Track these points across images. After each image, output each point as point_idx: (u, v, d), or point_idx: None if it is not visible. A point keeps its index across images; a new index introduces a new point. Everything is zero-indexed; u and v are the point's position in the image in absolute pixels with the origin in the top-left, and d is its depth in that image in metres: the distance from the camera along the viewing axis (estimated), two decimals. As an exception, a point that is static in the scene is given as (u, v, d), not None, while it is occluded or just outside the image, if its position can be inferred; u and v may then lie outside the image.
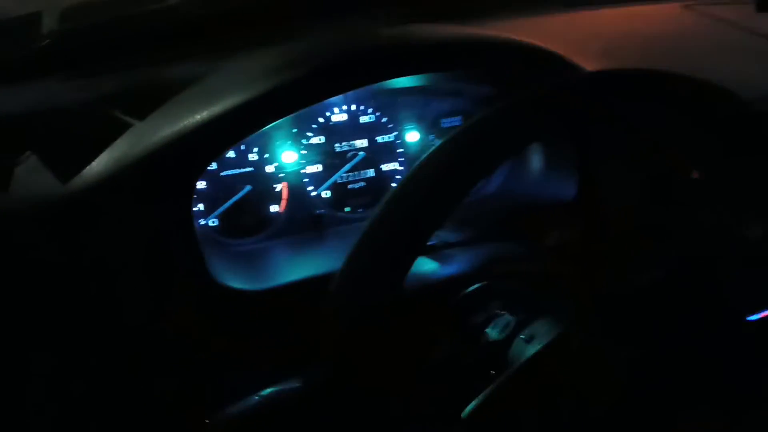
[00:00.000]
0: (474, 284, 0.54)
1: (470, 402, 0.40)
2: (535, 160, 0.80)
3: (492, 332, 0.48)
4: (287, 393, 0.46)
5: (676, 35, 0.92)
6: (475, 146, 0.38)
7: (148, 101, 0.61)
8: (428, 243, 0.65)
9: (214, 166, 0.69)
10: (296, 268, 0.65)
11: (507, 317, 0.48)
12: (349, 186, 0.76)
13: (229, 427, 0.44)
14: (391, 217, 0.38)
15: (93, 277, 0.52)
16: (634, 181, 0.72)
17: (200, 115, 0.52)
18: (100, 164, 0.53)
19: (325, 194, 0.75)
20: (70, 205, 0.50)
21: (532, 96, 0.38)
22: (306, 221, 0.73)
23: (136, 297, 0.54)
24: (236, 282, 0.59)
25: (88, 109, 0.62)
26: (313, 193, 0.74)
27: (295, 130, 0.72)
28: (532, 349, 0.43)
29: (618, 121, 0.50)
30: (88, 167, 0.53)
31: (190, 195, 0.54)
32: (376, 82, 0.58)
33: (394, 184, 0.75)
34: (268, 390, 0.46)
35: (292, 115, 0.71)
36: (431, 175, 0.38)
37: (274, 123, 0.70)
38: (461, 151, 0.38)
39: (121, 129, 0.58)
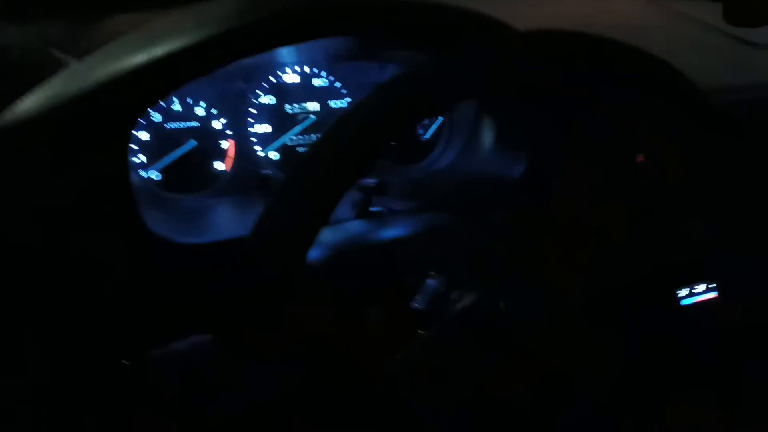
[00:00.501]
0: (412, 249, 0.54)
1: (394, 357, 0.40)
2: (487, 138, 0.80)
3: (424, 293, 0.48)
4: (205, 343, 0.45)
5: (637, 28, 0.93)
6: (393, 104, 0.36)
7: (92, 44, 0.58)
8: (372, 209, 0.66)
9: (158, 117, 0.67)
10: (238, 225, 0.64)
11: (440, 280, 0.48)
12: (298, 149, 0.75)
13: (145, 370, 0.43)
14: (304, 176, 0.37)
15: (15, 220, 0.50)
16: (582, 163, 0.73)
17: (140, 57, 0.50)
18: (31, 100, 0.51)
19: (273, 155, 0.74)
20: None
21: (455, 54, 0.37)
22: (252, 181, 0.72)
23: (63, 242, 0.52)
24: (172, 234, 0.57)
25: (28, 48, 0.60)
26: (261, 153, 0.73)
27: (245, 88, 0.71)
28: (459, 309, 0.43)
29: (553, 84, 0.50)
30: (18, 102, 0.51)
31: (125, 140, 0.52)
32: (328, 36, 0.57)
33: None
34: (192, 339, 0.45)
35: (242, 72, 0.70)
36: (340, 140, 0.37)
37: (224, 79, 0.70)
38: (372, 114, 0.36)
39: (59, 68, 0.56)
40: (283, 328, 0.41)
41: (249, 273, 0.39)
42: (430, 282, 0.49)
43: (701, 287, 0.80)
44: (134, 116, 0.53)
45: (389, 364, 0.38)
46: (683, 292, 0.79)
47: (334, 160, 0.37)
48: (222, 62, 0.52)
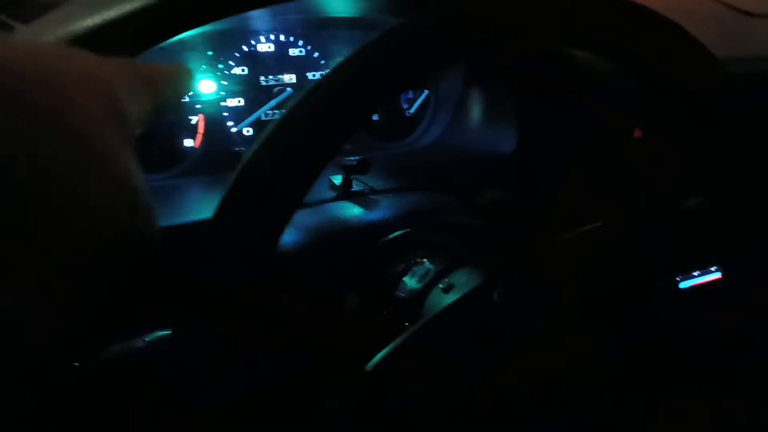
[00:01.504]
0: (396, 231, 0.50)
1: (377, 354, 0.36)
2: (475, 112, 0.76)
3: (410, 281, 0.44)
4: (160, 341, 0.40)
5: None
6: (374, 67, 0.32)
7: (39, 8, 0.53)
8: (353, 189, 0.61)
9: (120, 90, 0.62)
10: (207, 206, 0.59)
11: (426, 266, 0.44)
12: (274, 124, 0.70)
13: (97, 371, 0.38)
14: (272, 150, 0.32)
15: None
16: (574, 138, 0.69)
17: (92, 20, 0.45)
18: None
19: (247, 131, 0.69)
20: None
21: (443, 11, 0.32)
22: (224, 159, 0.67)
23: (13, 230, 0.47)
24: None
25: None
26: (233, 129, 0.68)
27: (214, 57, 0.65)
28: (448, 300, 0.39)
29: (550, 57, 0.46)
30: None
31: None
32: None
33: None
34: (148, 336, 0.40)
35: (211, 41, 0.65)
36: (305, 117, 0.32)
37: (192, 48, 0.64)
38: (353, 77, 0.31)
39: (6, 33, 0.51)
40: (256, 321, 0.37)
41: (212, 261, 0.35)
42: (416, 269, 0.45)
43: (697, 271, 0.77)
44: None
45: (372, 363, 0.34)
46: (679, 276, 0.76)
47: (309, 130, 0.32)
48: (180, 25, 0.47)
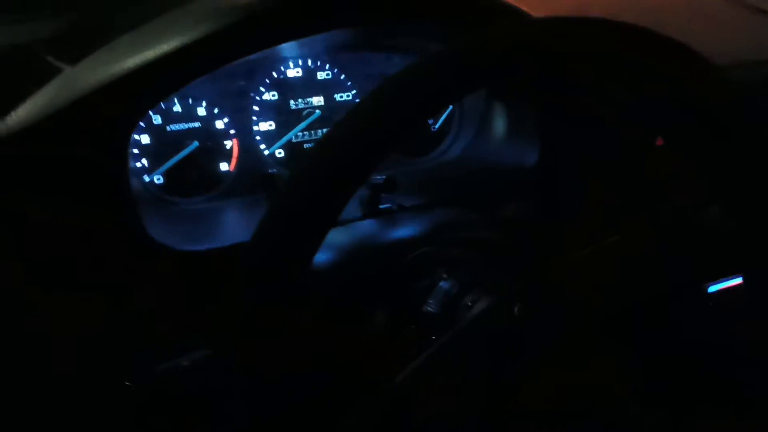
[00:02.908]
0: (422, 248, 0.52)
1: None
2: (498, 126, 0.78)
3: (435, 297, 0.46)
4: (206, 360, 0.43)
5: (655, 6, 0.90)
6: (399, 100, 0.34)
7: (84, 48, 0.57)
8: (381, 206, 0.64)
9: (159, 119, 0.65)
10: (244, 228, 0.62)
11: (451, 282, 0.46)
12: (305, 145, 0.73)
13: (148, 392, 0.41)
14: (306, 177, 0.35)
15: (15, 233, 0.48)
16: (596, 151, 0.70)
17: (134, 60, 0.49)
18: (25, 110, 0.49)
19: (279, 153, 0.72)
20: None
21: (472, 41, 0.34)
22: (258, 181, 0.70)
23: (64, 256, 0.51)
24: (178, 242, 0.56)
25: (20, 53, 0.58)
26: (266, 152, 0.71)
27: (246, 85, 0.69)
28: (474, 311, 0.41)
29: (569, 73, 0.47)
30: (12, 112, 0.50)
31: (124, 145, 0.51)
32: (329, 30, 0.55)
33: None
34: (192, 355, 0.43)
35: (243, 69, 0.68)
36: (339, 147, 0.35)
37: (225, 77, 0.68)
38: (383, 106, 0.34)
39: (53, 75, 0.54)
40: (289, 342, 0.39)
41: (250, 281, 0.37)
42: (443, 284, 0.47)
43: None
44: (131, 121, 0.51)
45: (398, 375, 0.36)
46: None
47: (343, 155, 0.35)
48: (218, 61, 0.50)
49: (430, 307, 0.48)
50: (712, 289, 0.78)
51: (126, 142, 0.51)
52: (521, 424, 0.38)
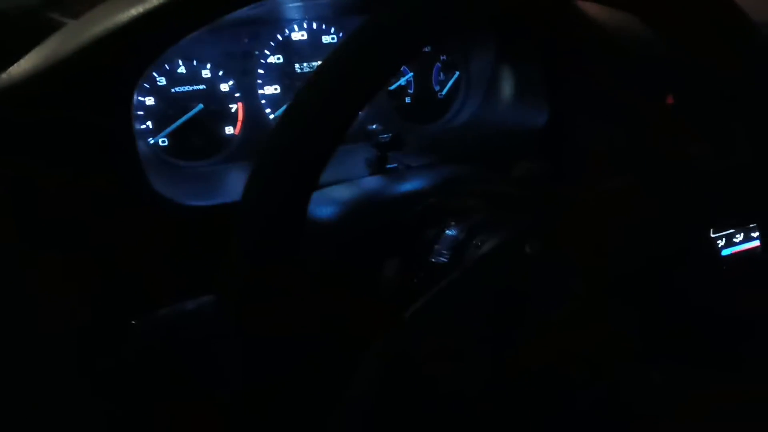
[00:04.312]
0: (429, 201, 0.51)
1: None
2: (506, 90, 0.77)
3: (441, 250, 0.46)
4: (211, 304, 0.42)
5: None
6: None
7: (91, 5, 0.56)
8: (388, 166, 0.63)
9: (163, 81, 0.65)
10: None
11: (458, 229, 0.45)
12: (310, 110, 0.72)
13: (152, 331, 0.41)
14: (287, 129, 0.34)
15: (20, 189, 0.48)
16: (605, 110, 0.69)
17: (136, 10, 0.48)
18: (27, 62, 0.49)
19: (284, 117, 0.71)
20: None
21: None
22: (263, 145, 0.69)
23: (69, 212, 0.50)
24: (181, 197, 0.55)
25: (25, 11, 0.58)
26: (272, 116, 0.71)
27: (251, 47, 0.68)
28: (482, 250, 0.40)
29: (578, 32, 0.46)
30: (14, 65, 0.49)
31: (128, 98, 0.50)
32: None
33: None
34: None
35: (247, 31, 0.68)
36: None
37: (229, 39, 0.67)
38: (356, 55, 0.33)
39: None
40: (288, 301, 0.38)
41: (245, 238, 0.37)
42: (450, 232, 0.46)
43: (740, 236, 0.76)
44: (134, 73, 0.51)
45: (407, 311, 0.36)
46: (721, 242, 0.75)
47: (318, 108, 0.34)
48: (217, 10, 0.49)
49: (439, 256, 0.47)
50: (726, 252, 0.77)
51: (129, 95, 0.51)
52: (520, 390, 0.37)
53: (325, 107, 0.34)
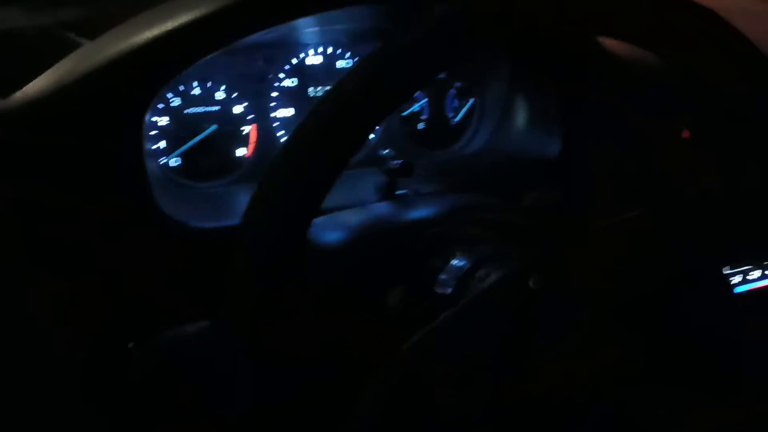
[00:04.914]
0: (437, 229, 0.51)
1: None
2: (520, 118, 0.77)
3: (449, 274, 0.45)
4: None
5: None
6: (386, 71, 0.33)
7: (108, 27, 0.57)
8: (397, 192, 0.63)
9: (177, 102, 0.65)
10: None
11: (463, 260, 0.45)
12: (323, 133, 0.72)
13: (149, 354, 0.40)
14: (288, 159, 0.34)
15: (27, 210, 0.48)
16: (619, 141, 0.69)
17: (151, 33, 0.49)
18: (41, 81, 0.50)
19: (296, 140, 0.71)
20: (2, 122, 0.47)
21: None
22: (275, 167, 0.69)
23: (77, 233, 0.50)
24: (192, 220, 0.55)
25: (42, 32, 0.59)
26: (284, 139, 0.71)
27: (266, 71, 0.69)
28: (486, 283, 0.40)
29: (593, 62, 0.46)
30: (29, 84, 0.50)
31: (139, 119, 0.51)
32: (345, 5, 0.54)
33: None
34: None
35: (263, 54, 0.68)
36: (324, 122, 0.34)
37: (244, 61, 0.68)
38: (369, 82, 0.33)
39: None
40: (292, 324, 0.38)
41: (245, 259, 0.37)
42: (455, 262, 0.46)
43: (756, 273, 0.74)
44: (146, 97, 0.51)
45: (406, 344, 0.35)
46: (736, 279, 0.73)
47: (324, 136, 0.34)
48: (231, 35, 0.50)
49: (443, 286, 0.46)
50: (741, 289, 0.75)
51: (140, 119, 0.51)
52: (522, 414, 0.36)
53: (329, 133, 0.34)
